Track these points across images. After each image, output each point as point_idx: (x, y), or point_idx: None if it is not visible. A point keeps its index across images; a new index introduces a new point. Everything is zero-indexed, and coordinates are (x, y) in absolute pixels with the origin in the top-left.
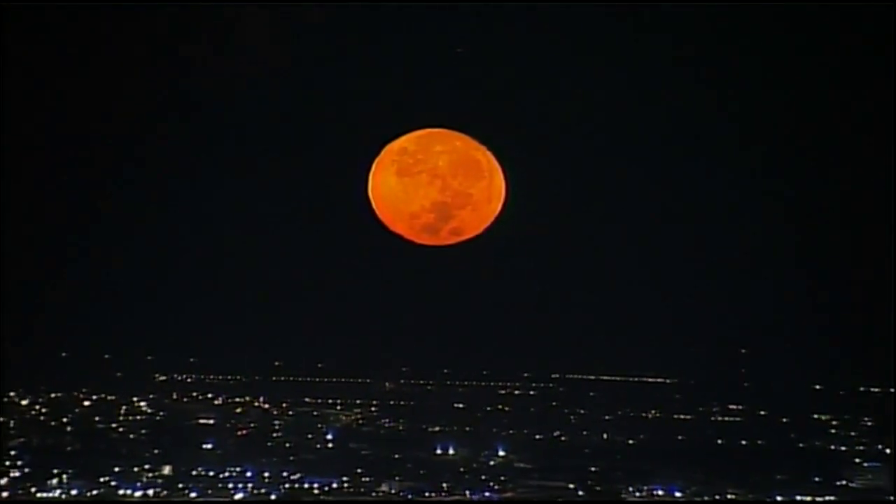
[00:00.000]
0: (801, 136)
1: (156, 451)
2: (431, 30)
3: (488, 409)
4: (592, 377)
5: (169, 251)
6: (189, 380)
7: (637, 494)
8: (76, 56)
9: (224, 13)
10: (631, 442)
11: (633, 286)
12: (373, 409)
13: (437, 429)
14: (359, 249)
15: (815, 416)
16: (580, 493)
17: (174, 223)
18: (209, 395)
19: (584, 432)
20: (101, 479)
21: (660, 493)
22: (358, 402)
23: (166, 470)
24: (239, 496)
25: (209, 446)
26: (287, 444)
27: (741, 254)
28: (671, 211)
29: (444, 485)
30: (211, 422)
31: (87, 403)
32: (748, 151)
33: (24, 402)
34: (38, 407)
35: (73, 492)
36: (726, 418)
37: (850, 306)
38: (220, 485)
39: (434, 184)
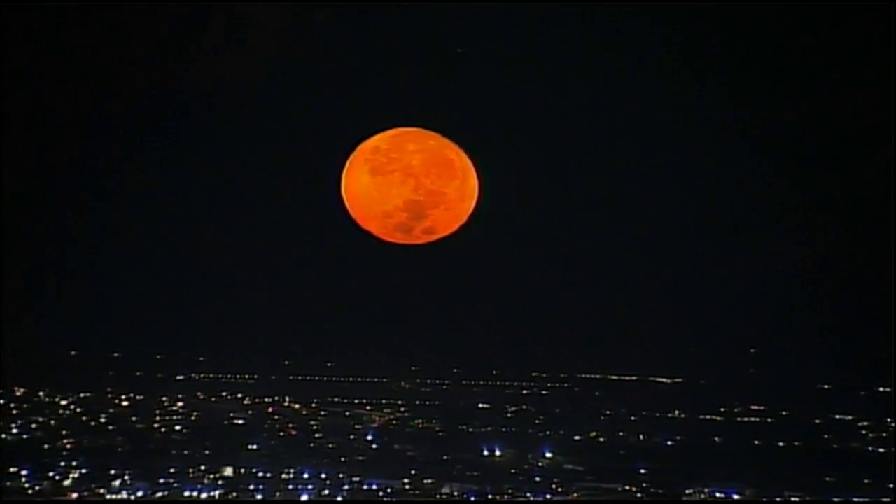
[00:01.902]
0: (803, 133)
1: (206, 452)
2: (405, 30)
3: (513, 408)
4: (598, 376)
5: (156, 252)
6: (206, 379)
7: (698, 496)
8: (64, 58)
9: (197, 15)
10: (670, 443)
11: (613, 284)
12: (402, 409)
13: (472, 430)
14: (332, 249)
15: (838, 416)
16: (638, 494)
17: (156, 223)
18: (238, 395)
19: (621, 433)
20: (161, 481)
21: (719, 495)
22: (384, 402)
23: (227, 471)
24: (304, 497)
25: (255, 447)
26: (330, 445)
27: (739, 251)
28: (648, 206)
29: (506, 487)
30: (244, 422)
31: (125, 403)
32: (744, 148)
33: (63, 402)
34: (73, 406)
35: (139, 493)
36: (753, 419)
37: (859, 307)
38: (281, 486)
39: (407, 183)
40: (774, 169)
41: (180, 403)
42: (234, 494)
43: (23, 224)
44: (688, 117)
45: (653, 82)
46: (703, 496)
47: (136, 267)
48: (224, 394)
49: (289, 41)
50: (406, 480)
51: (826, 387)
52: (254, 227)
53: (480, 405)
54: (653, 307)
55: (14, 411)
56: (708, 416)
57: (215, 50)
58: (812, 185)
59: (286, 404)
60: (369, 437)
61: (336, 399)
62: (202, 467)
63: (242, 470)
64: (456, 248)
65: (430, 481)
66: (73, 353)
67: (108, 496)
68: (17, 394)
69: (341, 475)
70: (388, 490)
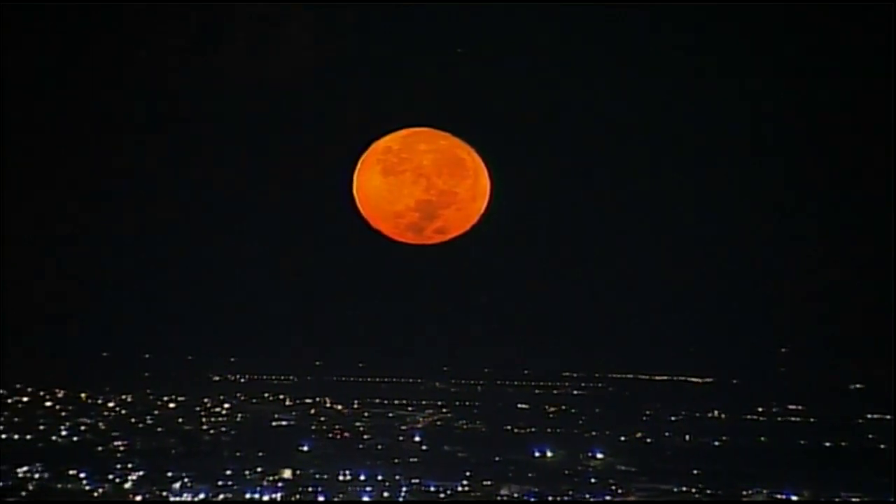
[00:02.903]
0: (834, 132)
1: (260, 454)
2: (417, 31)
3: (553, 409)
4: (629, 376)
5: (174, 254)
6: (242, 380)
7: (755, 498)
8: (61, 60)
9: (210, 14)
10: (716, 444)
11: (631, 283)
12: (444, 410)
13: (517, 430)
14: (345, 249)
15: (877, 416)
16: (696, 495)
17: (164, 225)
18: (280, 396)
19: (666, 434)
20: (220, 483)
21: (779, 496)
22: (423, 402)
23: (286, 473)
24: (366, 499)
25: (305, 448)
26: (379, 447)
27: (765, 249)
28: (655, 206)
29: (565, 488)
30: (291, 423)
31: (172, 405)
32: (774, 146)
33: (110, 404)
34: (118, 408)
35: (201, 495)
36: (794, 419)
37: (889, 306)
38: (340, 488)
39: (419, 183)
40: (806, 168)
41: (227, 405)
42: (297, 497)
43: (52, 230)
44: (705, 115)
45: (665, 81)
46: (761, 497)
47: (159, 269)
48: (266, 395)
49: (301, 44)
50: (465, 482)
51: (858, 386)
52: (268, 227)
53: (519, 405)
54: (679, 307)
55: (62, 413)
56: (748, 417)
57: (228, 53)
58: (844, 184)
59: (328, 405)
60: (417, 439)
61: (377, 400)
62: (258, 469)
63: (299, 472)
64: (468, 247)
65: (488, 483)
66: (104, 354)
67: (172, 499)
68: (59, 395)
69: (398, 477)
70: (448, 492)
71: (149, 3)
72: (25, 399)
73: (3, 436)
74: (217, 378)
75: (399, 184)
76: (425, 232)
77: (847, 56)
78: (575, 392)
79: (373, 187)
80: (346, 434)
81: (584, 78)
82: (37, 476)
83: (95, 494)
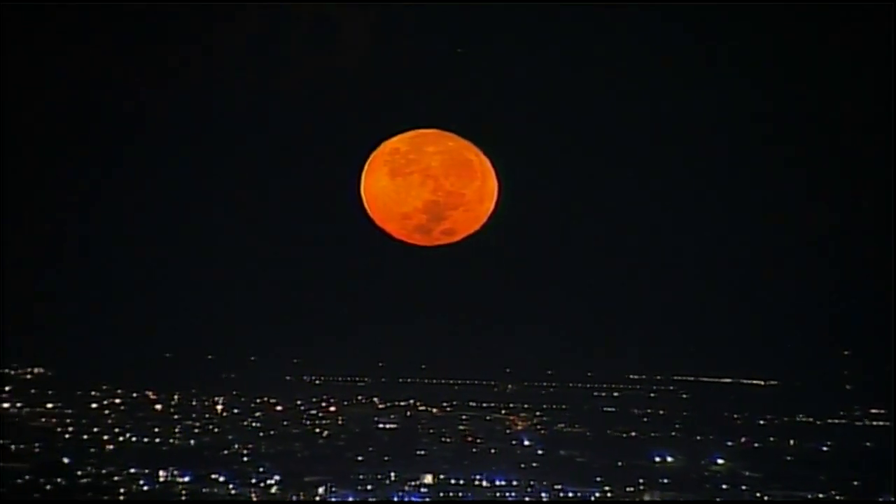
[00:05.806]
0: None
1: (385, 458)
2: (426, 31)
3: (637, 412)
4: (692, 378)
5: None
6: (318, 382)
7: None
8: (61, 56)
9: (219, 16)
10: (825, 449)
11: (635, 286)
12: (537, 413)
13: (617, 434)
14: (355, 251)
15: None
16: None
17: (173, 223)
18: (373, 399)
19: (771, 438)
20: (359, 488)
21: None
22: (511, 405)
23: (427, 478)
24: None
25: (423, 453)
26: (493, 451)
27: (818, 250)
28: (663, 209)
29: (714, 496)
30: (394, 426)
31: (279, 408)
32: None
33: (218, 407)
34: (222, 411)
35: (349, 499)
36: (887, 423)
37: None
38: (481, 493)
39: (426, 184)
40: (866, 170)
41: (332, 408)
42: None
43: (97, 233)
44: (713, 115)
45: (673, 82)
46: None
47: (198, 272)
48: (360, 398)
49: (307, 45)
50: (606, 488)
51: None
52: (274, 229)
53: (605, 409)
54: (661, 311)
55: (173, 416)
56: (837, 421)
57: (235, 55)
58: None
59: (421, 408)
60: (527, 443)
61: (469, 403)
62: (391, 474)
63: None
64: (475, 249)
65: (630, 489)
66: (167, 355)
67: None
68: (151, 397)
69: (533, 482)
70: (591, 498)
71: (157, 6)
72: (118, 401)
73: (121, 438)
74: (293, 379)
75: (407, 185)
76: (433, 233)
77: (847, 56)
78: (641, 392)
79: (380, 188)
80: (454, 438)
81: (592, 79)
82: (178, 480)
83: (254, 498)
